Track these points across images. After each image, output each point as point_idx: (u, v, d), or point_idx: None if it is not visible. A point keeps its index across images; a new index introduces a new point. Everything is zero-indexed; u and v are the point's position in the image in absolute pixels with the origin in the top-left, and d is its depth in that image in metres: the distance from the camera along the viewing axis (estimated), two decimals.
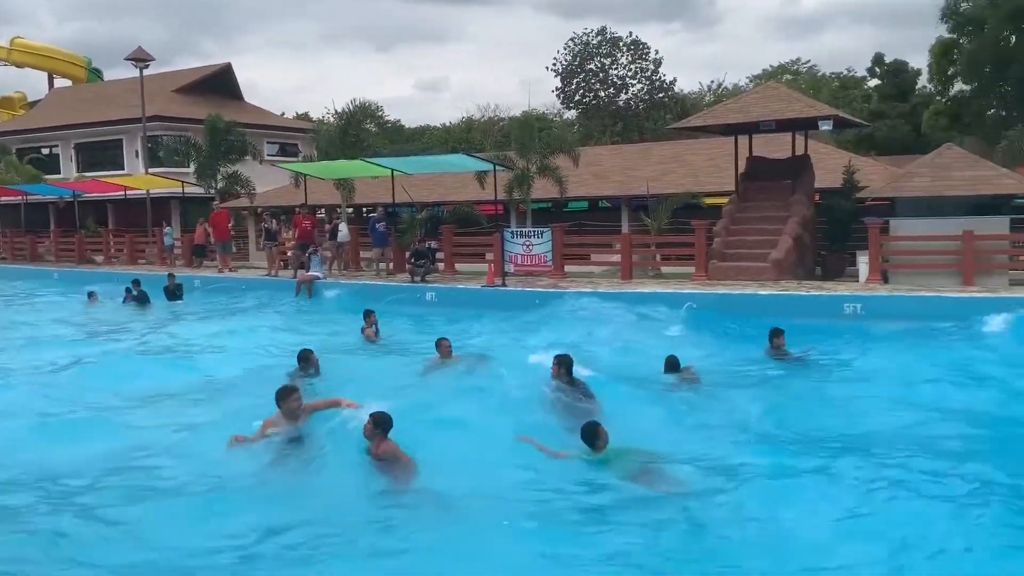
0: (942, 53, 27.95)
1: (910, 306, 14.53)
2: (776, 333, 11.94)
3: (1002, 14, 24.10)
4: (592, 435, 7.35)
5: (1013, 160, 19.75)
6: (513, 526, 6.28)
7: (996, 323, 12.76)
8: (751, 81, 54.27)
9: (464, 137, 52.83)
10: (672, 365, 10.75)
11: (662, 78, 49.85)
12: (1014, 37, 24.98)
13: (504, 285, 18.61)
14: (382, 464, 7.18)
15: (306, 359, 10.64)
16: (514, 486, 7.06)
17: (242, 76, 59.82)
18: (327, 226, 24.51)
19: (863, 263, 17.49)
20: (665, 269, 20.90)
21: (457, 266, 21.84)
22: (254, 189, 30.15)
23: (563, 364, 9.18)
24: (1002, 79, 25.77)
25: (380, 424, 7.25)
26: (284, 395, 8.03)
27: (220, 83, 44.17)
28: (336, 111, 28.82)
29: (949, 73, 28.20)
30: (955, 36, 27.09)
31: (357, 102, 28.11)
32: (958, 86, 28.84)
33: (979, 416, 9.03)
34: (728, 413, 9.32)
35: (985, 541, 5.75)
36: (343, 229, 22.83)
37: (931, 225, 17.04)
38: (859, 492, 6.66)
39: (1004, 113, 26.82)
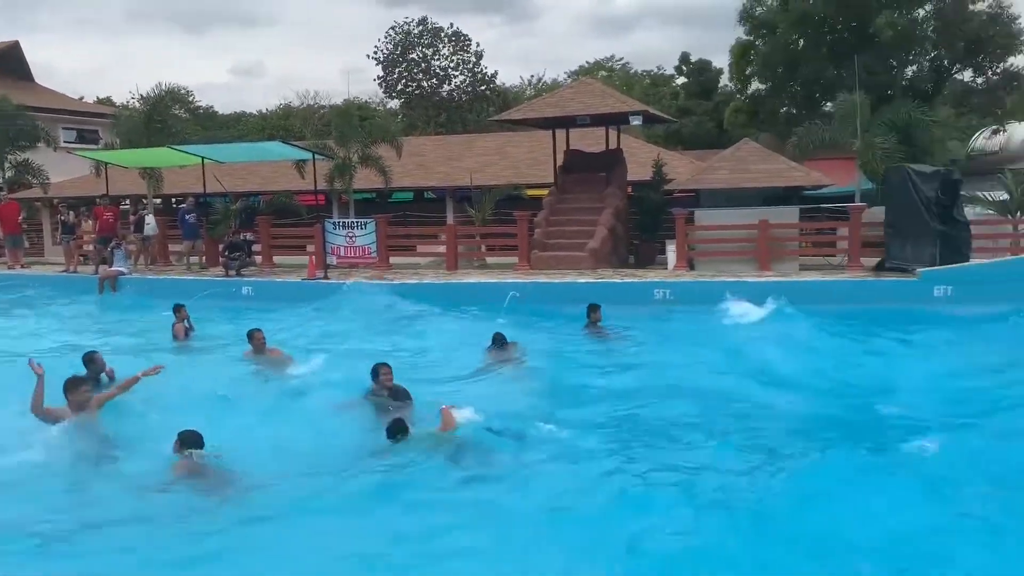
0: (740, 54, 29.88)
1: (712, 290, 15.53)
2: (593, 308, 12.85)
3: (791, 19, 26.10)
4: (398, 432, 7.58)
5: (801, 154, 21.46)
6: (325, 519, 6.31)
7: (774, 306, 13.86)
8: (569, 76, 55.92)
9: (282, 125, 51.05)
10: (498, 342, 11.23)
11: (484, 70, 50.41)
12: (802, 41, 27.11)
13: (326, 278, 18.19)
14: (185, 473, 6.89)
15: (91, 361, 9.73)
16: (325, 480, 7.06)
17: (34, 56, 54.90)
18: (132, 217, 22.97)
19: (671, 251, 18.49)
20: (490, 259, 21.18)
21: (276, 259, 21.11)
22: (48, 178, 27.74)
23: (384, 367, 9.10)
24: (792, 79, 27.93)
25: (187, 443, 6.95)
26: (72, 387, 7.55)
27: (7, 63, 40.28)
28: (141, 95, 27.02)
29: (747, 73, 30.15)
30: (752, 39, 29.04)
31: (164, 86, 26.56)
32: (755, 85, 30.91)
33: (755, 388, 9.85)
34: (549, 389, 9.81)
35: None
36: (149, 221, 21.49)
37: (731, 215, 18.28)
38: (641, 459, 7.38)
39: (794, 111, 29.03)
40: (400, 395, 8.83)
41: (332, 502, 6.64)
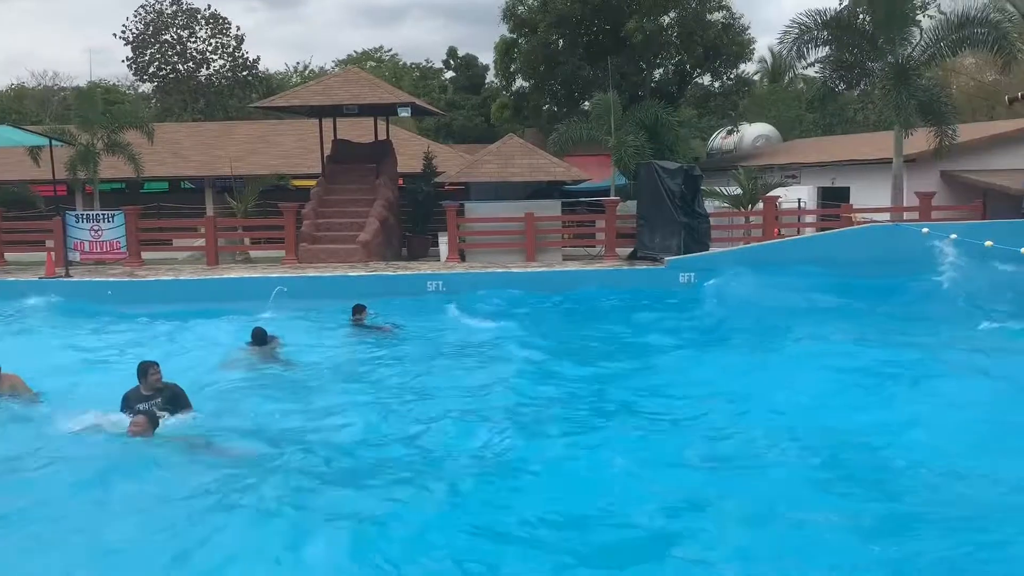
0: (504, 51, 30.67)
1: (482, 281, 15.93)
2: (358, 309, 12.58)
3: (550, 19, 27.18)
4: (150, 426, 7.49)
5: (562, 150, 22.51)
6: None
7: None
8: (337, 65, 54.83)
9: (15, 107, 45.86)
10: (258, 337, 10.94)
11: (245, 55, 48.14)
12: (561, 41, 28.32)
13: (68, 276, 16.59)
14: None
15: None
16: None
17: None
18: None
19: (443, 243, 18.74)
20: (254, 253, 20.36)
21: (8, 256, 18.98)
22: None
23: (153, 365, 8.42)
24: (553, 78, 29.10)
25: None
26: None
27: None
28: None
29: (511, 70, 31.00)
30: (515, 36, 29.93)
31: None
32: (519, 82, 31.87)
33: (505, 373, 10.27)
34: (300, 385, 9.65)
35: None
36: None
37: (499, 208, 18.84)
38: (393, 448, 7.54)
39: (555, 109, 30.33)
40: (172, 394, 8.28)
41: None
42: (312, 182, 21.27)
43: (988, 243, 12.72)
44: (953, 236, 13.91)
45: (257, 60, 48.08)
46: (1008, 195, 18.87)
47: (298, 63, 58.42)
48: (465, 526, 5.94)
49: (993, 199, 19.35)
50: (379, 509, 6.12)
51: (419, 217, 20.48)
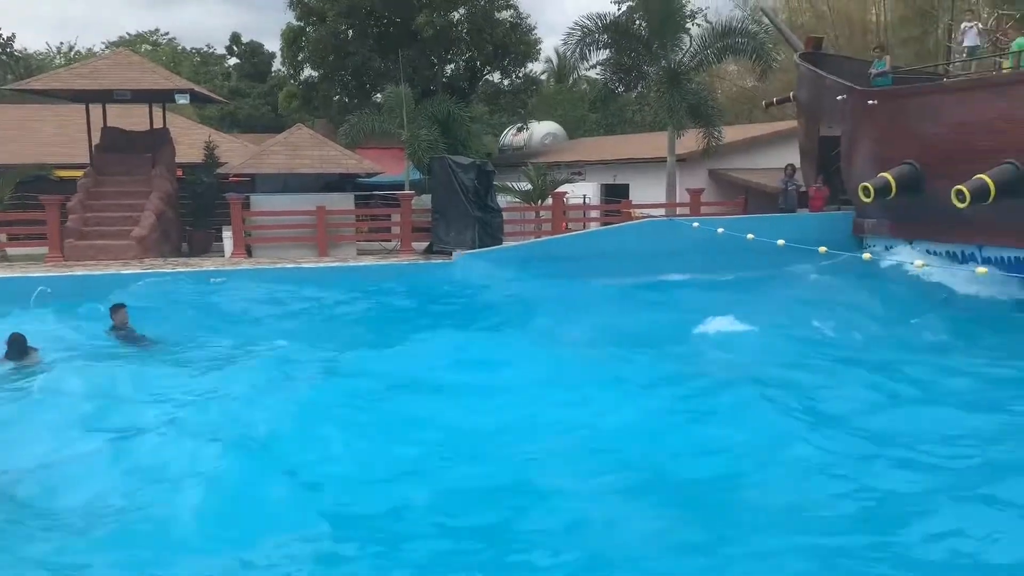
0: (291, 39, 29.62)
1: (269, 277, 15.36)
2: (115, 309, 11.61)
3: (339, 8, 26.64)
4: None
5: (353, 142, 22.14)
6: None
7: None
8: (108, 47, 50.67)
9: None
10: (16, 347, 10.05)
11: None
12: (351, 32, 27.81)
13: None
14: None
15: None
16: None
17: None
18: None
19: (228, 238, 17.88)
20: (12, 251, 18.42)
21: None
22: None
23: None
24: (343, 68, 28.54)
25: None
26: None
27: None
28: None
29: (299, 59, 30.03)
30: (302, 24, 29.02)
31: None
32: (308, 71, 30.93)
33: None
34: (65, 397, 8.79)
35: None
36: None
37: (288, 201, 18.25)
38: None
39: (346, 100, 29.74)
40: None
41: None
42: (79, 173, 19.51)
43: (749, 236, 13.97)
44: (720, 230, 15.09)
45: (12, 38, 43.50)
46: (766, 192, 20.74)
47: (62, 43, 53.40)
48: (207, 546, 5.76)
49: (753, 195, 21.20)
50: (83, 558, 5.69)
51: (200, 210, 19.41)
